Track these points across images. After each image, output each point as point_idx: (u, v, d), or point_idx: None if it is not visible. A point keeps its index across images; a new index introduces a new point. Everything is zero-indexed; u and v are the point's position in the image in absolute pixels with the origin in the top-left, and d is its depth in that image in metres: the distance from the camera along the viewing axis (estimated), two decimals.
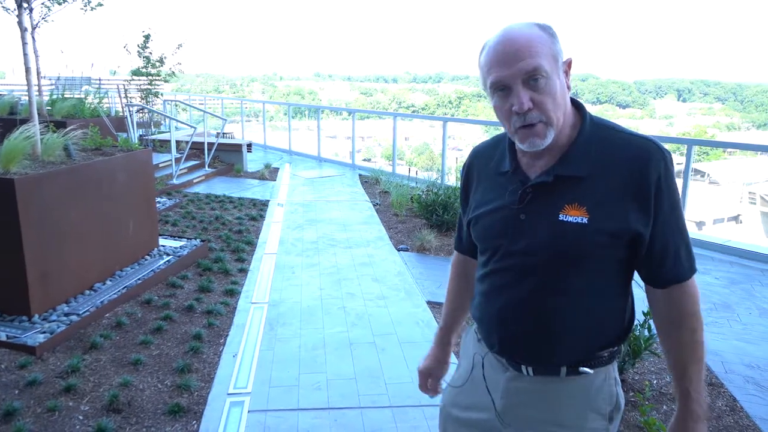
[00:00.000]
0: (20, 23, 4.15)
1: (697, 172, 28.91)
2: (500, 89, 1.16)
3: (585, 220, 1.14)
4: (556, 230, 1.16)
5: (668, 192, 1.15)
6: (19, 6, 4.07)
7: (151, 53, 10.91)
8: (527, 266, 1.21)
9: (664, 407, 2.84)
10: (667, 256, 1.17)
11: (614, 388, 1.26)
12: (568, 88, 1.19)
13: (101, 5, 7.79)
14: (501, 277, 1.26)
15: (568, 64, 1.19)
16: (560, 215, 1.15)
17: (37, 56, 7.27)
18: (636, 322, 2.93)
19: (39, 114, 4.36)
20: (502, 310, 1.26)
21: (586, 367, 1.22)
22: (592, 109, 1.24)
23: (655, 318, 1.25)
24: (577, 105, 1.24)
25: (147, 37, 10.83)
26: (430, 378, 1.58)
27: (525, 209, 1.20)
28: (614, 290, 1.22)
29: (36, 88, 6.24)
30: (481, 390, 1.33)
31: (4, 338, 3.21)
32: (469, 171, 1.40)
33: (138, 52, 10.88)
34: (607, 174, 1.15)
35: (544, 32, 1.16)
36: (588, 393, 1.24)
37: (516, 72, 1.12)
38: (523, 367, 1.25)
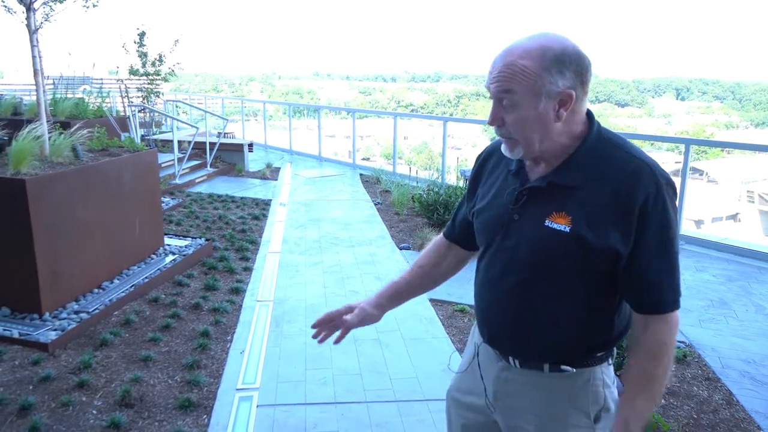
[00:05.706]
0: (29, 26, 4.20)
1: (695, 170, 29.00)
2: (490, 96, 1.25)
3: (567, 230, 1.17)
4: (541, 235, 1.20)
5: (657, 218, 1.15)
6: (28, 9, 4.12)
7: (147, 52, 10.95)
8: (513, 264, 1.26)
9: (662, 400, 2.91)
10: (649, 283, 1.18)
11: (602, 389, 1.28)
12: (558, 118, 1.17)
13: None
14: (491, 271, 1.32)
15: (569, 96, 1.16)
16: (546, 221, 1.20)
17: (40, 57, 7.31)
18: None
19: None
20: (490, 302, 1.33)
21: (568, 365, 1.26)
22: (591, 108, 1.25)
23: (630, 337, 1.27)
24: (589, 115, 1.25)
25: (142, 34, 10.87)
26: (333, 320, 1.53)
27: (519, 210, 1.26)
28: (598, 302, 1.24)
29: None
30: (478, 377, 1.41)
31: (16, 335, 3.28)
32: (483, 163, 1.45)
33: (137, 51, 10.93)
34: (598, 188, 1.17)
35: (542, 58, 1.13)
36: (571, 391, 1.27)
37: (492, 91, 1.21)
38: (510, 359, 1.32)
